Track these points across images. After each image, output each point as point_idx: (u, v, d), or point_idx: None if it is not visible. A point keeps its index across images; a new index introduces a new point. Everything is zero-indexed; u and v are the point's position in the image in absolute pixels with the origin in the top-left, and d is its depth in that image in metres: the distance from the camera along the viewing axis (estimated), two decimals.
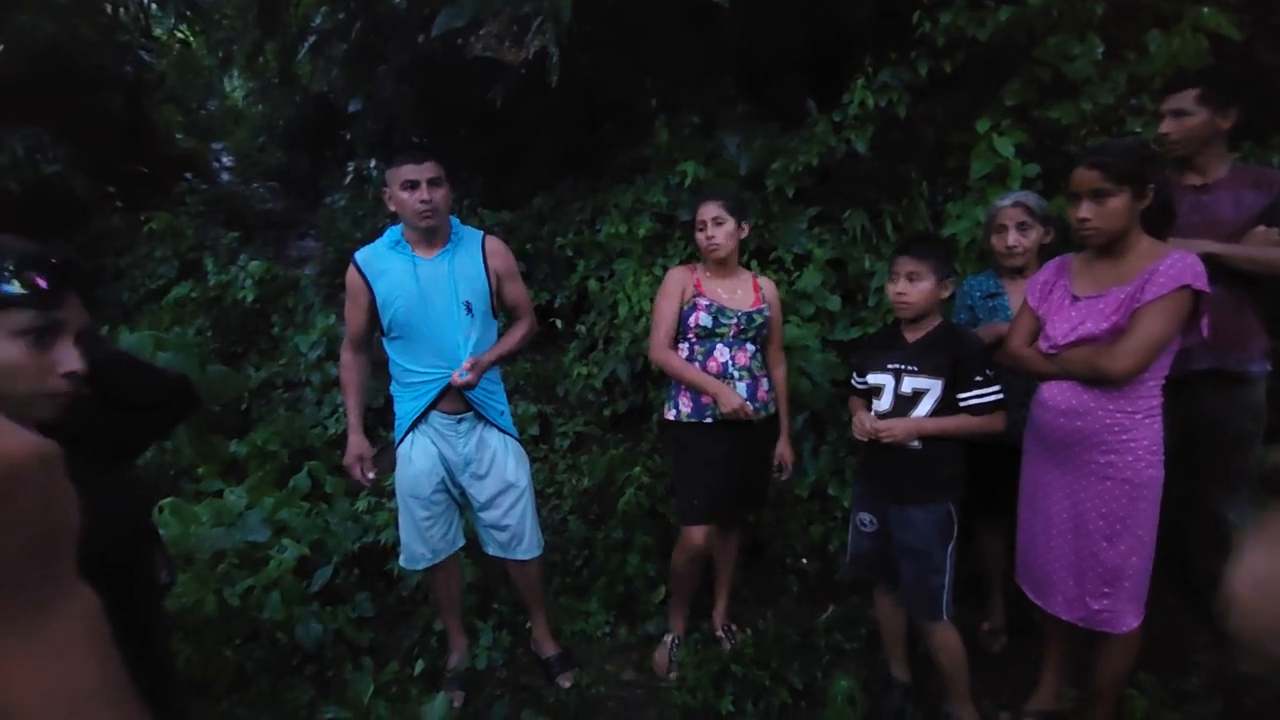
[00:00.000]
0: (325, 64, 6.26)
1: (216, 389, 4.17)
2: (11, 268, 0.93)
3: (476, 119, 5.11)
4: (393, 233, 2.25)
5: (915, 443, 1.97)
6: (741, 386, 2.32)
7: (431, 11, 3.88)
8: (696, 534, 2.36)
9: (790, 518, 2.90)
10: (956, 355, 1.97)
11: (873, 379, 2.09)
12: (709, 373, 2.32)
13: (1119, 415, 1.74)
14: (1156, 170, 1.73)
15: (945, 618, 1.98)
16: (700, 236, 2.36)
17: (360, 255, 2.24)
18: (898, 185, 3.42)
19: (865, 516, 2.14)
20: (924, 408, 1.98)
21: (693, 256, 2.41)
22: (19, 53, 5.58)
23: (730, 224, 2.32)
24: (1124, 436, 1.73)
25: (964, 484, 2.02)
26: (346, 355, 2.31)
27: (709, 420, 2.33)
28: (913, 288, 1.98)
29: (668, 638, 2.57)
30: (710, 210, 2.34)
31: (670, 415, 2.42)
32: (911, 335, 2.05)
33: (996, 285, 2.30)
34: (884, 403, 2.05)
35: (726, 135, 3.79)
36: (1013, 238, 2.23)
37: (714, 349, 2.34)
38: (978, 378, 1.94)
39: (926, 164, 3.39)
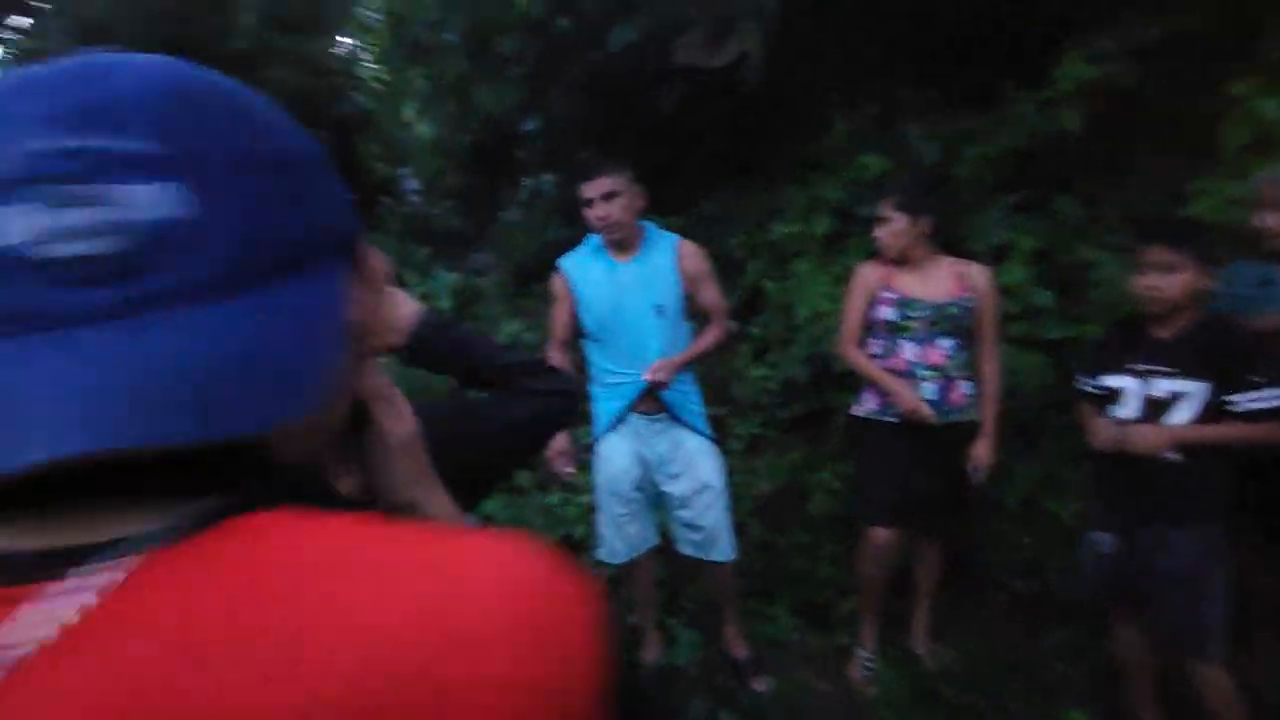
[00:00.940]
0: (500, 87, 6.74)
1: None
2: None
3: (644, 128, 5.24)
4: (594, 238, 2.36)
5: (1172, 454, 1.74)
6: (930, 388, 2.19)
7: (597, 31, 4.04)
8: (879, 535, 2.30)
9: (1000, 531, 2.68)
10: (1226, 352, 1.71)
11: (1111, 382, 1.87)
12: (892, 371, 2.23)
13: None
14: None
15: (1218, 656, 1.72)
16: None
17: (565, 262, 2.37)
18: (1117, 163, 3.05)
19: (1104, 537, 1.92)
20: (1182, 413, 1.74)
21: (877, 253, 2.34)
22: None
23: (898, 221, 2.24)
24: None
25: (1234, 500, 1.75)
26: (556, 357, 2.46)
27: (890, 418, 2.25)
28: (1167, 280, 1.75)
29: (860, 651, 2.47)
30: (880, 208, 2.30)
31: (857, 411, 2.39)
32: (1163, 331, 1.81)
33: (1270, 271, 1.97)
34: (1129, 408, 1.82)
35: (909, 125, 3.59)
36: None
37: (900, 346, 2.24)
38: (1254, 378, 1.67)
39: (1155, 137, 2.99)
